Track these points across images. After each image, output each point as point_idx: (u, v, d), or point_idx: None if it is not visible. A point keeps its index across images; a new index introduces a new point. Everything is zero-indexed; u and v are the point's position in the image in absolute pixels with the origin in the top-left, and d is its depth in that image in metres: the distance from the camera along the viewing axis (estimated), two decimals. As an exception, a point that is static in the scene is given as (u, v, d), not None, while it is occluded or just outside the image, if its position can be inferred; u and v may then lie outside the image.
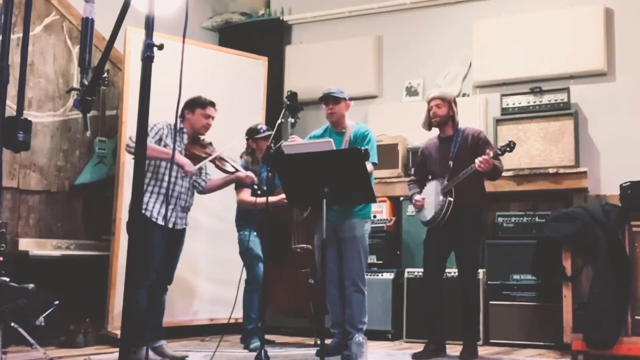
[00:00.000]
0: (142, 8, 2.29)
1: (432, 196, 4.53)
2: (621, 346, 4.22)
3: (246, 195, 4.96)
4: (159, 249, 4.21)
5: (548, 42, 5.78)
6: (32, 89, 5.20)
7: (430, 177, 4.68)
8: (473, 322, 4.59)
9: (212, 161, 4.45)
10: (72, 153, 5.47)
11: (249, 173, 4.55)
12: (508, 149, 4.27)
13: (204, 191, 4.60)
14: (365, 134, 4.55)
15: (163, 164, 4.28)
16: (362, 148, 4.16)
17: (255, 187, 4.71)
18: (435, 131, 4.70)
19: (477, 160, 4.23)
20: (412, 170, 4.86)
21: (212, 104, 4.41)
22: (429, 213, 4.51)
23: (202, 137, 4.49)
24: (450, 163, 4.46)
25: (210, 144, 4.50)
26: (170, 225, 4.31)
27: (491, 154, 4.22)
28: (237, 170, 4.51)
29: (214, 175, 4.64)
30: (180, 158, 4.26)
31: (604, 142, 5.62)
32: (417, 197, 4.62)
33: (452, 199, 4.36)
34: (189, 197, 4.44)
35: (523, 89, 5.78)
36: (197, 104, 4.38)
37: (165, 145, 4.28)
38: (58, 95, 5.38)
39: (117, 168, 5.30)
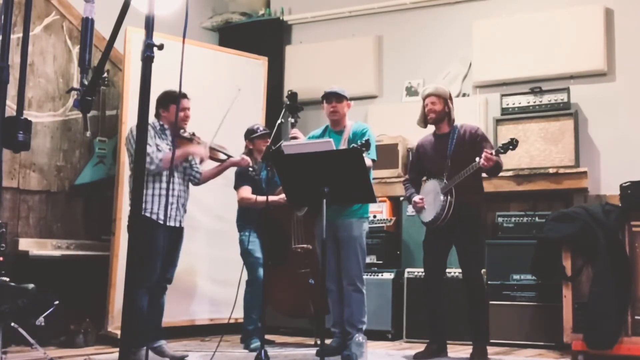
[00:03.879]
0: (142, 8, 2.29)
1: (431, 196, 4.48)
2: (621, 346, 4.23)
3: (247, 192, 4.97)
4: (162, 250, 4.24)
5: (548, 42, 5.78)
6: (32, 89, 5.20)
7: (426, 175, 4.65)
8: (481, 323, 4.50)
9: None
10: (72, 153, 5.47)
11: (243, 156, 4.58)
12: (511, 147, 4.19)
13: (199, 182, 4.64)
14: (364, 132, 4.53)
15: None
16: (362, 140, 4.15)
17: (251, 169, 4.73)
18: (431, 128, 4.65)
19: (480, 158, 4.16)
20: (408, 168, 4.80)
21: (184, 96, 4.37)
22: (429, 214, 4.46)
23: (185, 131, 4.46)
24: (448, 161, 4.42)
25: (194, 134, 4.48)
26: (174, 224, 4.35)
27: (493, 151, 4.16)
28: (229, 157, 4.53)
29: (208, 165, 4.66)
30: (193, 148, 4.33)
31: (604, 142, 5.62)
32: (417, 198, 4.55)
33: (452, 199, 4.32)
34: (187, 194, 4.49)
35: (523, 89, 5.78)
36: (170, 100, 4.34)
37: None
38: (58, 95, 5.38)
39: (117, 168, 5.30)
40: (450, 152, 4.44)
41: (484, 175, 4.55)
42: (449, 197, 4.32)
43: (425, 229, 4.60)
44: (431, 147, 4.59)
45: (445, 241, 4.49)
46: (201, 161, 4.44)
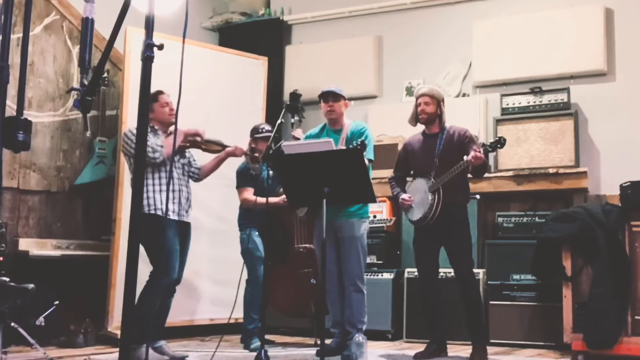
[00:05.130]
0: (142, 8, 2.29)
1: (419, 194, 4.48)
2: (621, 346, 4.23)
3: (248, 194, 4.98)
4: (175, 245, 4.26)
5: (548, 42, 5.78)
6: (32, 89, 5.19)
7: (412, 173, 4.66)
8: (479, 322, 4.50)
9: (198, 146, 4.51)
10: (72, 153, 5.47)
11: (237, 145, 4.61)
12: (499, 145, 4.20)
13: (200, 177, 4.65)
14: (362, 131, 4.53)
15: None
16: (358, 141, 4.14)
17: (247, 155, 4.82)
18: (420, 127, 4.64)
19: (468, 156, 4.15)
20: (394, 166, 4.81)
21: (161, 92, 4.37)
22: (417, 212, 4.47)
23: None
24: (436, 161, 4.42)
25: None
26: (177, 218, 4.34)
27: (481, 149, 4.15)
28: (224, 147, 4.57)
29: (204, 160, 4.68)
30: (191, 129, 4.40)
31: (604, 142, 5.62)
32: (404, 196, 4.56)
33: (440, 198, 4.32)
34: (188, 189, 4.49)
35: (523, 89, 5.78)
36: (151, 100, 4.38)
37: None
38: (58, 95, 5.38)
39: (117, 168, 5.30)
40: (439, 152, 4.44)
41: (469, 176, 4.55)
42: (436, 196, 4.33)
43: (414, 229, 4.60)
44: (419, 146, 4.59)
45: (434, 240, 4.49)
46: (199, 136, 4.47)
